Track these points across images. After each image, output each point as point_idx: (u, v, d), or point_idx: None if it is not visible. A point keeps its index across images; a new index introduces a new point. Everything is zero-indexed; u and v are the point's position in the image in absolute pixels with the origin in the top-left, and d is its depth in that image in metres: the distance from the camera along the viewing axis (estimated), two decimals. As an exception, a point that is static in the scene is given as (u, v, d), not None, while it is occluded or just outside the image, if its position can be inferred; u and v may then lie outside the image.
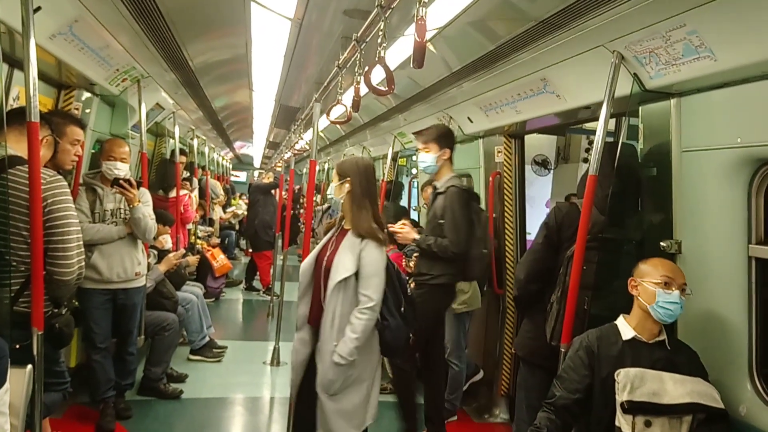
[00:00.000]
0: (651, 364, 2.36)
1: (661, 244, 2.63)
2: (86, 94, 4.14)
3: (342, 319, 2.73)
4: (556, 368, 2.71)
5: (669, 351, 2.42)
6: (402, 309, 2.84)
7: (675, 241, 2.62)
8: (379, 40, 2.54)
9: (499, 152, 4.59)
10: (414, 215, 7.03)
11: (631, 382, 2.29)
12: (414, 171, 8.65)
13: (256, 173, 20.27)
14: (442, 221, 3.59)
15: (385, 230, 2.92)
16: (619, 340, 2.46)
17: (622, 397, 2.29)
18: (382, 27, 2.51)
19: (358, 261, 2.74)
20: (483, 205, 4.72)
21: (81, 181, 3.91)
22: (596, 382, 2.42)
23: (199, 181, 9.00)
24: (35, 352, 2.41)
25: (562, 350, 2.72)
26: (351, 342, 2.69)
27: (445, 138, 3.78)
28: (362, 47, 3.01)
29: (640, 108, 2.84)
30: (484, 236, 3.64)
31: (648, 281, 2.40)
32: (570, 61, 2.98)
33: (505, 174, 4.58)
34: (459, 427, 4.43)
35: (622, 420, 2.28)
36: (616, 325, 2.52)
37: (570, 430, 2.53)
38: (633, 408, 2.26)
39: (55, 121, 2.94)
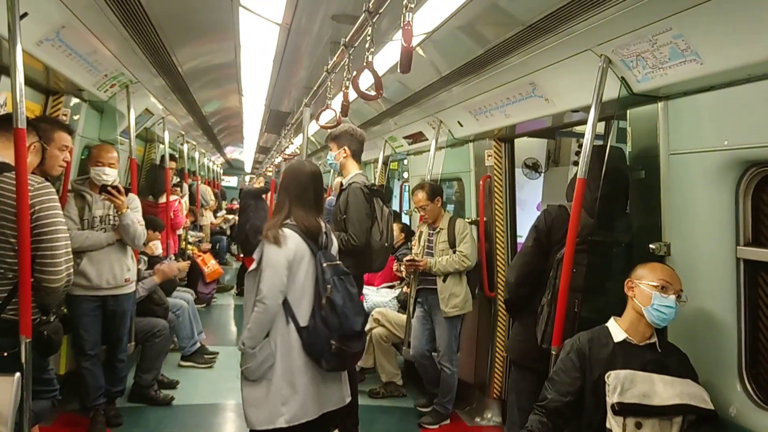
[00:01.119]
0: (642, 366, 2.37)
1: (650, 246, 2.65)
2: (75, 100, 4.12)
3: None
4: (547, 371, 2.72)
5: (660, 353, 2.42)
6: (322, 312, 2.84)
7: (664, 243, 2.64)
8: (367, 45, 2.54)
9: (489, 156, 4.61)
10: (405, 219, 7.03)
11: (622, 384, 2.30)
12: (405, 175, 8.66)
13: (247, 178, 20.24)
14: (344, 216, 3.68)
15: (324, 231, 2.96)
16: (610, 342, 2.47)
17: (612, 398, 2.30)
18: (369, 32, 2.52)
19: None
20: (474, 209, 4.75)
21: (69, 187, 3.89)
22: (587, 384, 2.43)
23: (190, 186, 8.97)
24: (23, 360, 2.40)
25: (553, 353, 2.73)
26: (246, 331, 2.78)
27: (341, 137, 3.87)
28: (351, 52, 3.01)
29: (627, 111, 2.86)
30: (386, 231, 3.76)
31: (645, 283, 2.40)
32: (558, 65, 3.00)
33: (496, 177, 4.60)
34: (451, 430, 4.43)
35: (612, 422, 2.29)
36: (606, 327, 2.53)
37: None
38: (623, 410, 2.27)
39: (43, 127, 2.92)
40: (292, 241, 2.79)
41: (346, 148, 3.84)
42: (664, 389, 2.29)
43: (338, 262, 2.96)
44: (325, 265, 2.85)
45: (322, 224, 2.96)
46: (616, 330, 2.49)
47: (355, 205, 3.63)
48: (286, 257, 2.76)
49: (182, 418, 4.46)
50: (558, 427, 2.48)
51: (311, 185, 2.96)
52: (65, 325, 3.09)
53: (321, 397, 2.90)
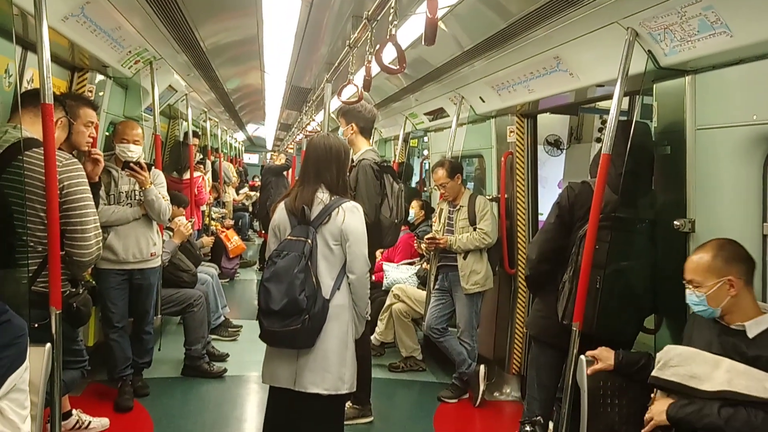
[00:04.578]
0: (720, 348, 2.15)
1: (675, 223, 2.62)
2: (99, 77, 4.16)
3: None
4: (567, 347, 2.72)
5: (750, 341, 2.11)
6: None
7: (688, 219, 2.60)
8: (390, 18, 2.52)
9: (511, 132, 4.57)
10: (425, 196, 7.02)
11: (670, 359, 2.19)
12: (425, 152, 8.62)
13: (269, 155, 20.31)
14: (354, 193, 3.65)
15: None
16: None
17: (654, 371, 2.25)
18: (393, 4, 2.49)
19: None
20: (495, 186, 4.72)
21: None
22: None
23: (213, 163, 9.04)
24: (54, 331, 2.45)
25: (574, 329, 2.73)
26: None
27: (349, 113, 3.89)
28: (373, 26, 2.99)
29: (654, 86, 2.81)
30: (396, 207, 3.78)
31: None
32: (583, 39, 2.94)
33: (518, 154, 4.56)
34: (470, 404, 4.47)
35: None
36: None
37: None
38: (658, 385, 2.23)
39: (69, 104, 2.97)
40: (277, 213, 2.99)
41: (353, 124, 3.87)
42: (724, 375, 2.04)
43: (301, 238, 2.80)
44: (287, 238, 2.86)
45: (321, 197, 2.86)
46: None
47: (365, 182, 3.67)
48: (272, 226, 3.01)
49: (207, 389, 4.55)
50: None
51: (312, 159, 2.95)
52: (94, 297, 3.16)
53: (273, 368, 3.02)
